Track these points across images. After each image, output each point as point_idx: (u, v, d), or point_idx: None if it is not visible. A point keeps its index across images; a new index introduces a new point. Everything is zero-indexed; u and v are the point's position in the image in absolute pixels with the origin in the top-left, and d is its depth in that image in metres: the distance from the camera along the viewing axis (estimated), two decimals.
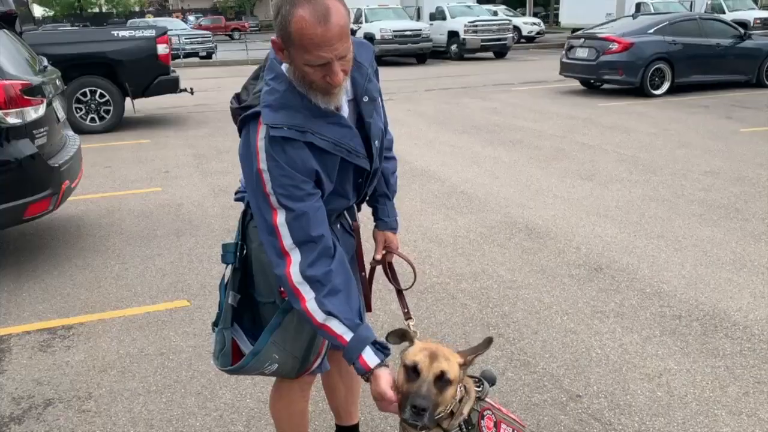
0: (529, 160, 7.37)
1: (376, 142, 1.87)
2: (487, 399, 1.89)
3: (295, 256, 1.71)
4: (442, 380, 1.70)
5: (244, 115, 1.73)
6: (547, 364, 3.20)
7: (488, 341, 1.83)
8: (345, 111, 1.80)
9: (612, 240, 4.84)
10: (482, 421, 1.82)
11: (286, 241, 1.71)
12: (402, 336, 1.83)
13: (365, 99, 1.83)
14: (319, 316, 1.72)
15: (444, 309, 3.79)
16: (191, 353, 3.36)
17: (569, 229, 5.08)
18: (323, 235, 1.74)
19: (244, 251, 1.96)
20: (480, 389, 1.88)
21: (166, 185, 6.63)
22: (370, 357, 1.73)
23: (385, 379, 1.72)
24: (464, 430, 1.79)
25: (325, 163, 1.75)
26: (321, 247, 1.73)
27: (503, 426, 1.87)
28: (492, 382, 1.94)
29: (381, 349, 1.76)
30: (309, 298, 1.72)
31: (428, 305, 3.84)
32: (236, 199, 2.00)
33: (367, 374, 1.73)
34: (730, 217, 5.28)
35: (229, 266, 1.97)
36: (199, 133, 9.40)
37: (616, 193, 6.03)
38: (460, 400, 1.80)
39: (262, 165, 1.68)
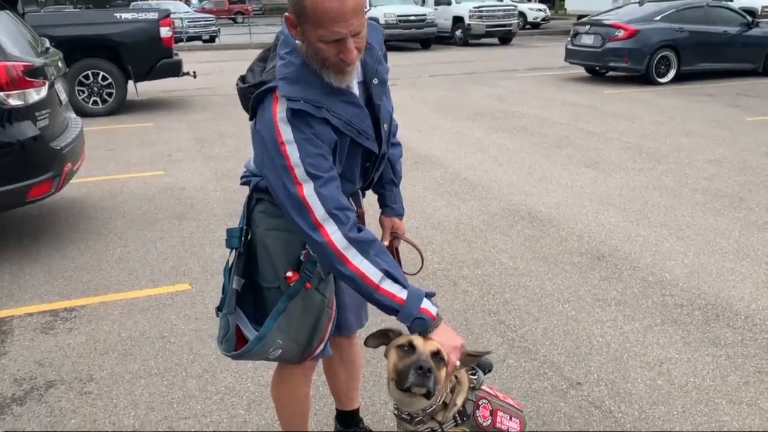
0: (533, 148, 7.34)
1: (385, 126, 1.86)
2: (483, 386, 1.89)
3: (331, 226, 1.67)
4: (437, 357, 1.70)
5: (258, 91, 1.72)
6: (548, 351, 3.20)
7: (486, 353, 1.85)
8: (356, 92, 1.79)
9: (615, 228, 4.83)
10: (477, 411, 1.82)
11: (318, 211, 1.67)
12: (383, 335, 1.82)
13: (375, 81, 1.82)
14: (376, 276, 1.68)
15: (445, 295, 3.79)
16: (192, 336, 3.37)
17: (572, 217, 5.07)
18: (353, 209, 1.74)
19: (249, 236, 1.95)
20: (475, 378, 1.88)
21: (169, 169, 6.62)
22: (430, 306, 1.72)
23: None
24: (459, 421, 1.79)
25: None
26: (353, 216, 1.71)
27: (500, 414, 1.86)
28: (488, 369, 1.93)
29: (432, 301, 1.75)
30: (359, 260, 1.68)
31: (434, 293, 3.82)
32: (242, 183, 1.98)
33: (434, 322, 1.70)
34: (734, 207, 5.26)
35: (234, 251, 1.96)
36: (201, 117, 9.37)
37: (619, 181, 6.01)
38: (452, 390, 1.79)
39: (285, 137, 1.66)
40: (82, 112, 8.97)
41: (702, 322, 3.46)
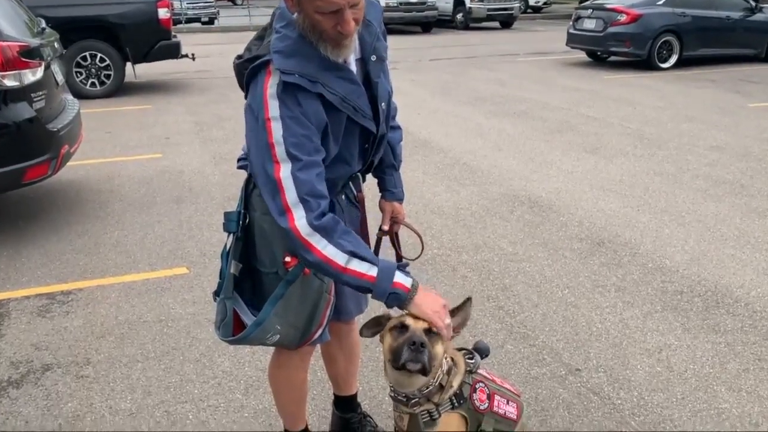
0: (533, 133, 7.29)
1: (383, 104, 1.83)
2: (480, 371, 1.87)
3: (298, 212, 1.64)
4: (430, 333, 1.68)
5: (253, 65, 1.68)
6: (547, 337, 3.19)
7: (467, 300, 1.83)
8: (353, 68, 1.75)
9: (615, 214, 4.81)
10: (474, 394, 1.80)
11: (290, 195, 1.64)
12: (377, 324, 1.81)
13: (373, 58, 1.78)
14: (341, 259, 1.65)
15: (444, 281, 3.78)
16: (190, 320, 3.35)
17: (572, 203, 5.04)
18: (326, 196, 1.70)
19: (247, 220, 1.92)
20: (472, 361, 1.86)
21: (167, 152, 6.58)
22: (403, 279, 1.69)
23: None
24: (455, 403, 1.78)
25: (331, 121, 1.70)
26: (325, 206, 1.68)
27: (497, 398, 1.85)
28: (485, 353, 1.91)
29: (406, 272, 1.73)
30: (323, 245, 1.65)
31: (428, 277, 3.81)
32: (239, 167, 1.95)
33: (409, 294, 1.68)
34: (735, 193, 5.23)
35: (231, 235, 1.94)
36: (200, 100, 9.30)
37: (620, 167, 5.97)
38: (448, 372, 1.78)
39: (272, 113, 1.63)
40: (79, 94, 8.89)
41: (702, 308, 3.44)
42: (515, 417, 1.86)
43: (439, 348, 1.71)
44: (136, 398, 2.75)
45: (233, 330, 1.91)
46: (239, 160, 1.94)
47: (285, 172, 1.64)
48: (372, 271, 1.68)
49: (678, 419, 2.59)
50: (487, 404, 1.82)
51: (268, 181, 1.67)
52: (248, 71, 1.70)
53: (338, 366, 2.34)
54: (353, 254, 1.68)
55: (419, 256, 2.26)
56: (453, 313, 1.79)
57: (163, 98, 9.47)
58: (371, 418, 2.44)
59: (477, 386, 1.82)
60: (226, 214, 1.90)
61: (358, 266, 1.68)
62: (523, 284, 3.74)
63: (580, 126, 7.58)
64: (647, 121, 7.80)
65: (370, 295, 1.73)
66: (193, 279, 3.82)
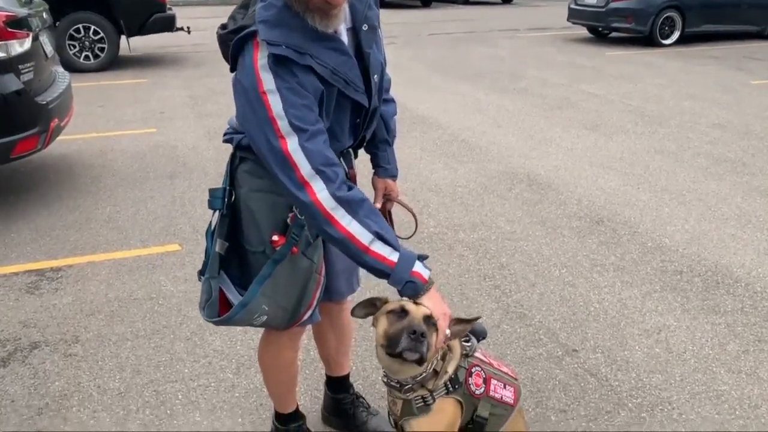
0: (533, 109, 7.19)
1: (375, 77, 1.75)
2: (476, 354, 1.82)
3: (317, 184, 1.57)
4: (429, 321, 1.62)
5: (238, 37, 1.60)
6: (544, 317, 3.14)
7: (475, 319, 1.78)
8: (344, 39, 1.67)
9: (614, 192, 4.74)
10: (470, 379, 1.75)
11: (304, 168, 1.56)
12: (371, 305, 1.74)
13: (365, 27, 1.70)
14: (365, 237, 1.59)
15: (440, 259, 3.72)
16: (181, 298, 3.30)
17: (571, 181, 4.97)
18: (339, 164, 1.63)
19: (233, 197, 1.85)
20: (468, 345, 1.80)
21: (161, 126, 6.48)
22: (422, 269, 1.64)
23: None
24: (450, 389, 1.72)
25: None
26: (341, 173, 1.61)
27: (493, 381, 1.80)
28: (482, 336, 1.86)
29: (424, 264, 1.67)
30: (347, 221, 1.58)
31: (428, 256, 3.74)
32: (225, 141, 1.88)
33: (426, 286, 1.63)
34: (737, 172, 5.16)
35: (217, 212, 1.87)
36: (195, 74, 9.17)
37: (620, 145, 5.89)
38: (443, 357, 1.72)
39: (267, 86, 1.55)
40: (73, 67, 8.77)
41: (702, 289, 3.39)
42: (512, 401, 1.81)
43: (434, 338, 1.65)
44: (124, 377, 2.70)
45: (219, 310, 1.85)
46: (225, 134, 1.86)
47: (293, 145, 1.57)
48: (393, 256, 1.61)
49: (676, 401, 2.54)
50: (483, 389, 1.77)
51: (277, 158, 1.59)
52: (234, 43, 1.62)
53: (330, 346, 2.29)
54: (378, 236, 1.61)
55: (413, 235, 2.20)
56: (456, 321, 1.73)
57: (158, 72, 9.33)
58: (364, 398, 2.39)
59: (473, 370, 1.77)
60: (211, 191, 1.83)
61: (381, 249, 1.61)
62: (521, 263, 3.68)
63: (581, 103, 7.48)
64: (648, 98, 7.70)
65: (387, 281, 1.65)
66: (185, 256, 3.76)
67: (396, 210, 2.19)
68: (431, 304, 1.65)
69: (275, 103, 1.55)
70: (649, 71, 9.32)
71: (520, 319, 3.12)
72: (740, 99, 7.61)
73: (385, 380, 1.76)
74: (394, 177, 2.11)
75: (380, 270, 1.63)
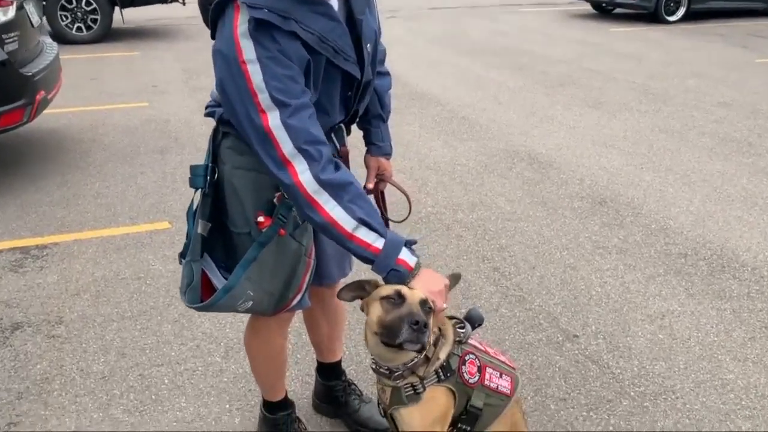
0: (534, 86, 7.03)
1: (368, 46, 1.62)
2: (471, 341, 1.71)
3: (300, 164, 1.47)
4: (425, 306, 1.53)
5: (217, 0, 1.47)
6: (544, 301, 3.04)
7: (456, 277, 1.69)
8: (334, 4, 1.53)
9: (618, 172, 4.62)
10: (463, 367, 1.65)
11: (286, 147, 1.46)
12: (359, 288, 1.64)
13: None
14: (349, 224, 1.49)
15: (438, 240, 3.61)
16: (170, 278, 3.19)
17: (573, 160, 4.85)
18: (325, 141, 1.52)
19: (216, 174, 1.73)
20: (462, 331, 1.70)
21: (154, 100, 6.32)
22: (408, 256, 1.54)
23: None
24: (442, 377, 1.62)
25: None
26: (327, 152, 1.50)
27: (489, 370, 1.69)
28: (478, 322, 1.75)
29: (412, 250, 1.58)
30: (332, 206, 1.48)
31: (422, 236, 3.64)
32: (206, 114, 1.75)
33: (411, 274, 1.53)
34: (743, 152, 5.04)
35: (198, 191, 1.75)
36: (189, 47, 8.97)
37: (624, 123, 5.76)
38: (435, 343, 1.62)
39: (247, 55, 1.43)
40: (65, 39, 8.59)
41: (707, 273, 3.29)
42: (509, 391, 1.71)
43: (431, 320, 1.55)
44: (109, 360, 2.60)
45: (202, 295, 1.74)
46: (207, 106, 1.74)
47: (274, 121, 1.45)
48: (378, 243, 1.51)
49: (680, 390, 2.45)
50: (477, 378, 1.66)
51: (257, 134, 1.48)
52: (214, 6, 1.48)
53: (321, 332, 2.19)
54: (363, 222, 1.51)
55: (406, 219, 2.08)
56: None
57: (151, 45, 9.13)
58: (356, 386, 2.29)
59: (466, 358, 1.66)
60: (192, 168, 1.71)
61: (365, 235, 1.51)
62: (521, 245, 3.57)
63: (583, 80, 7.32)
64: (652, 75, 7.54)
65: (370, 267, 1.55)
66: (175, 234, 3.64)
67: (390, 190, 2.07)
68: (424, 286, 1.55)
69: (255, 74, 1.42)
70: (654, 48, 9.14)
71: (519, 303, 3.02)
72: (746, 77, 7.45)
73: (374, 367, 1.66)
74: (387, 155, 1.99)
75: (364, 257, 1.54)
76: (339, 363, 2.26)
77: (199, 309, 1.72)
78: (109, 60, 8.11)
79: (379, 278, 1.60)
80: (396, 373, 1.61)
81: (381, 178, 1.98)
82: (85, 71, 7.38)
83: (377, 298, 1.57)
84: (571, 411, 2.35)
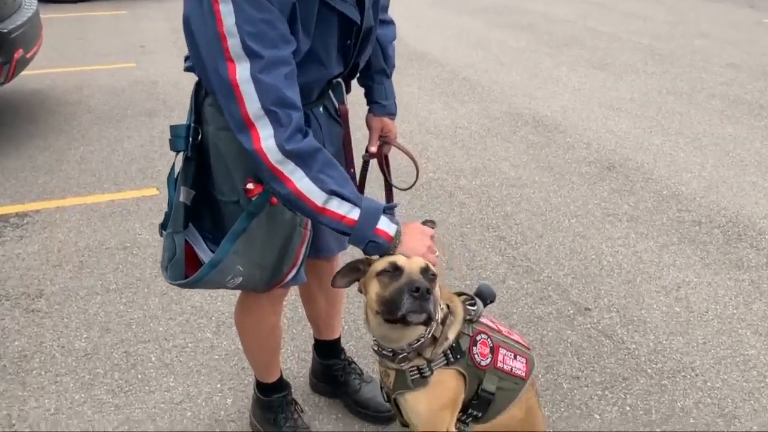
0: (538, 46, 6.78)
1: None
2: (482, 319, 1.55)
3: (264, 128, 1.29)
4: (427, 273, 1.37)
5: None
6: (553, 272, 2.88)
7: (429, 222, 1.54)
8: None
9: (626, 136, 4.43)
10: (474, 348, 1.49)
11: (251, 105, 1.28)
12: (353, 270, 1.48)
13: None
14: (319, 198, 1.33)
15: (440, 208, 3.43)
16: (158, 248, 3.01)
17: (579, 123, 4.65)
18: (299, 106, 1.33)
19: (199, 136, 1.54)
20: (473, 309, 1.54)
21: (141, 61, 6.07)
22: (387, 225, 1.39)
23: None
24: (451, 359, 1.46)
25: (299, 4, 1.30)
26: (297, 118, 1.31)
27: (502, 351, 1.54)
28: (490, 299, 1.59)
29: (391, 216, 1.42)
30: (298, 177, 1.32)
31: (422, 203, 3.47)
32: (186, 68, 1.56)
33: (392, 244, 1.38)
34: (754, 114, 4.85)
35: (180, 154, 1.56)
36: (178, 6, 8.48)
37: (630, 85, 5.54)
38: (443, 322, 1.46)
39: None
40: None
41: (722, 241, 3.13)
42: (523, 374, 1.56)
43: (437, 290, 1.39)
44: (92, 336, 2.44)
45: (186, 269, 1.56)
46: (186, 58, 1.54)
47: (242, 73, 1.26)
48: (353, 214, 1.35)
49: (699, 367, 2.31)
50: (489, 359, 1.51)
51: (221, 86, 1.29)
52: None
53: (319, 308, 2.03)
54: (334, 194, 1.34)
55: (413, 185, 1.90)
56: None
57: (140, 3, 8.79)
58: (356, 364, 2.14)
59: (478, 338, 1.50)
60: (173, 129, 1.52)
61: (337, 207, 1.35)
62: (527, 212, 3.40)
63: (588, 40, 7.07)
64: (658, 36, 7.29)
65: (348, 240, 1.40)
66: (163, 201, 3.45)
67: (394, 153, 1.89)
68: (411, 247, 1.40)
69: (227, 16, 1.23)
70: (659, 8, 8.85)
71: (527, 274, 2.86)
72: (753, 38, 7.21)
73: (376, 348, 1.51)
74: (392, 115, 1.80)
75: (338, 229, 1.38)
76: (338, 340, 2.11)
77: (183, 286, 1.55)
78: (95, 19, 7.80)
79: (372, 257, 1.45)
80: (401, 355, 1.45)
81: (385, 141, 1.79)
82: (70, 30, 7.09)
83: (373, 275, 1.40)
84: (585, 390, 2.21)
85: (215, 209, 1.59)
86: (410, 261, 1.38)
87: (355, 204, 1.35)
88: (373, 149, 1.77)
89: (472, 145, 4.25)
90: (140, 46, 6.57)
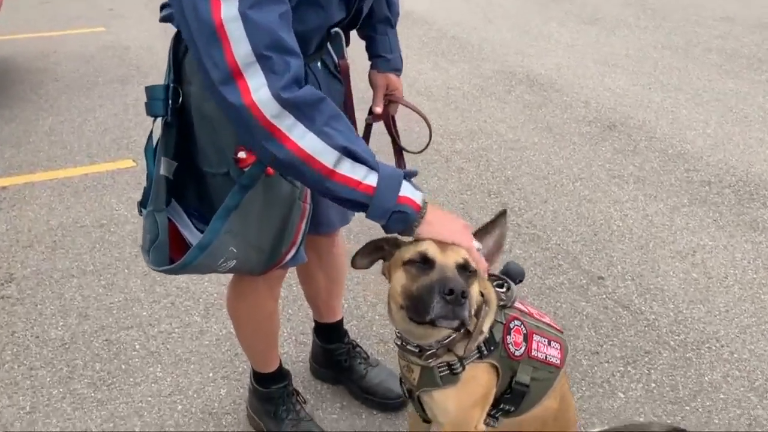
0: (524, 2, 6.53)
1: None
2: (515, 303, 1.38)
3: (255, 77, 1.06)
4: (465, 270, 1.18)
5: None
6: (561, 239, 2.72)
7: (502, 214, 1.31)
8: None
9: (624, 93, 4.25)
10: (508, 337, 1.31)
11: (239, 49, 1.05)
12: (377, 249, 1.28)
13: None
14: (328, 157, 1.11)
15: (437, 174, 3.24)
16: (137, 225, 2.79)
17: (575, 81, 4.46)
18: (297, 52, 1.11)
19: (180, 98, 1.32)
20: (506, 293, 1.36)
21: (111, 25, 5.73)
22: (411, 191, 1.17)
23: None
24: (484, 351, 1.29)
25: None
26: (296, 67, 1.09)
27: (536, 338, 1.37)
28: (519, 278, 1.41)
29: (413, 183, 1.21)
30: (299, 133, 1.10)
31: (418, 170, 3.26)
32: (162, 18, 1.34)
33: (420, 214, 1.17)
34: (754, 68, 4.68)
35: (159, 121, 1.34)
36: None
37: (624, 40, 5.34)
38: (477, 314, 1.26)
39: None
40: None
41: (735, 202, 2.99)
42: (558, 361, 1.39)
43: (474, 289, 1.20)
44: (69, 324, 2.24)
45: (171, 254, 1.36)
46: (162, 7, 1.32)
47: (229, 10, 1.04)
48: (370, 179, 1.13)
49: (724, 337, 2.17)
50: (523, 348, 1.34)
51: (202, 29, 1.07)
52: None
53: (319, 288, 1.84)
54: (347, 152, 1.11)
55: (426, 148, 1.71)
56: (481, 235, 1.27)
57: None
58: (361, 347, 1.96)
59: (511, 325, 1.33)
60: (149, 90, 1.30)
61: (350, 170, 1.12)
62: (529, 176, 3.22)
63: None
64: None
65: (363, 214, 1.18)
66: (140, 174, 3.21)
67: (401, 114, 1.69)
68: (439, 226, 1.20)
69: None
70: None
71: (534, 242, 2.69)
72: None
73: (399, 343, 1.32)
74: (398, 71, 1.60)
75: (353, 200, 1.15)
76: (340, 323, 1.93)
77: (168, 272, 1.35)
78: None
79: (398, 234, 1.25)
80: (428, 352, 1.27)
81: (391, 99, 1.59)
82: None
83: (399, 263, 1.21)
84: (606, 366, 2.06)
85: (202, 183, 1.38)
86: (445, 253, 1.17)
87: (371, 167, 1.14)
88: (379, 110, 1.57)
89: (466, 107, 4.04)
90: (109, 9, 6.22)
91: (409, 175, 1.20)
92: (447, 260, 1.16)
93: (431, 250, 1.18)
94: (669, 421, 1.85)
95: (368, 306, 2.30)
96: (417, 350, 1.27)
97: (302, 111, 1.10)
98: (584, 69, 4.69)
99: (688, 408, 1.91)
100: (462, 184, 3.14)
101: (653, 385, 1.99)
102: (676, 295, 2.37)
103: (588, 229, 2.78)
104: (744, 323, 2.24)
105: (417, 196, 1.18)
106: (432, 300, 1.11)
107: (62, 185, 3.13)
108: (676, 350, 2.12)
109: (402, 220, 1.16)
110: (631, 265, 2.54)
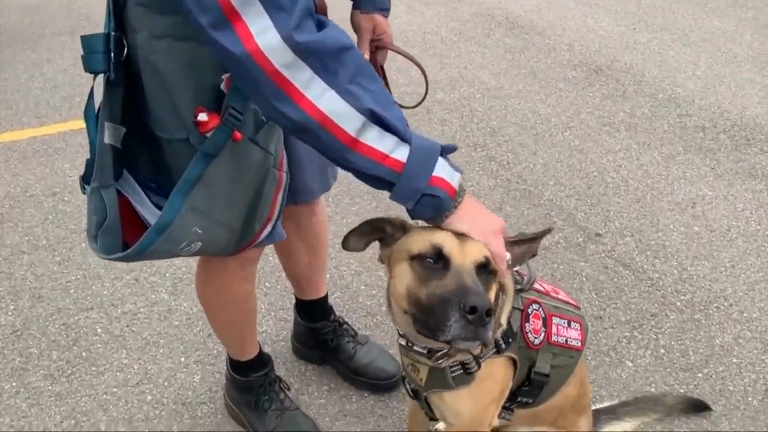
0: None
1: None
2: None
3: (257, 17, 0.84)
4: (485, 270, 0.98)
5: None
6: (553, 194, 2.55)
7: (546, 231, 1.13)
8: None
9: (609, 35, 4.04)
10: (527, 325, 1.14)
11: None
12: (376, 230, 1.07)
13: None
14: (350, 121, 0.90)
15: (419, 127, 3.03)
16: None
17: (557, 22, 4.23)
18: None
19: (124, 50, 1.08)
20: (521, 276, 1.18)
21: None
22: (449, 172, 0.96)
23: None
24: (502, 345, 1.11)
25: None
26: (308, 3, 0.87)
27: (555, 321, 1.20)
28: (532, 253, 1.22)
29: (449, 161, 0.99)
30: (318, 91, 0.88)
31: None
32: None
33: (455, 201, 0.97)
34: (739, 5, 4.50)
35: (101, 78, 1.11)
36: None
37: None
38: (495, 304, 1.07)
39: None
40: None
41: (731, 148, 2.84)
42: (579, 344, 1.23)
43: (493, 293, 1.01)
44: (21, 307, 2.02)
45: (124, 237, 1.15)
46: None
47: None
48: (399, 152, 0.92)
49: (732, 295, 2.05)
50: (543, 335, 1.17)
51: None
52: None
53: (299, 262, 1.64)
54: (374, 117, 0.90)
55: (422, 101, 1.50)
56: (511, 244, 1.07)
57: None
58: (348, 324, 1.78)
59: (530, 310, 1.15)
60: (85, 41, 1.06)
61: (376, 140, 0.91)
62: (515, 126, 3.03)
63: None
64: None
65: (388, 194, 0.97)
66: None
67: (390, 64, 1.48)
68: (473, 223, 0.99)
69: None
70: None
71: (525, 198, 2.52)
72: None
73: (404, 343, 1.12)
74: (385, 12, 1.38)
75: (378, 177, 0.94)
76: (325, 299, 1.74)
77: (121, 259, 1.13)
78: None
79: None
80: (439, 353, 1.08)
81: (379, 45, 1.37)
82: None
83: (405, 255, 1.00)
84: (610, 332, 1.92)
85: (156, 151, 1.16)
86: (464, 251, 0.97)
87: (402, 137, 0.92)
88: (366, 56, 1.35)
89: (445, 53, 3.81)
90: None
91: (446, 151, 0.98)
92: (465, 260, 0.96)
93: (448, 244, 0.97)
94: (682, 391, 1.72)
95: (353, 275, 2.12)
96: (426, 351, 1.08)
97: (322, 61, 0.88)
98: (565, 10, 4.45)
99: (700, 375, 1.78)
100: (445, 137, 2.94)
101: (662, 351, 1.86)
102: (679, 251, 2.23)
103: (581, 182, 2.62)
104: (751, 279, 2.11)
105: (454, 178, 0.97)
106: (448, 317, 0.90)
107: (8, 150, 2.85)
108: (684, 312, 1.99)
109: (433, 205, 0.96)
110: (629, 220, 2.39)
